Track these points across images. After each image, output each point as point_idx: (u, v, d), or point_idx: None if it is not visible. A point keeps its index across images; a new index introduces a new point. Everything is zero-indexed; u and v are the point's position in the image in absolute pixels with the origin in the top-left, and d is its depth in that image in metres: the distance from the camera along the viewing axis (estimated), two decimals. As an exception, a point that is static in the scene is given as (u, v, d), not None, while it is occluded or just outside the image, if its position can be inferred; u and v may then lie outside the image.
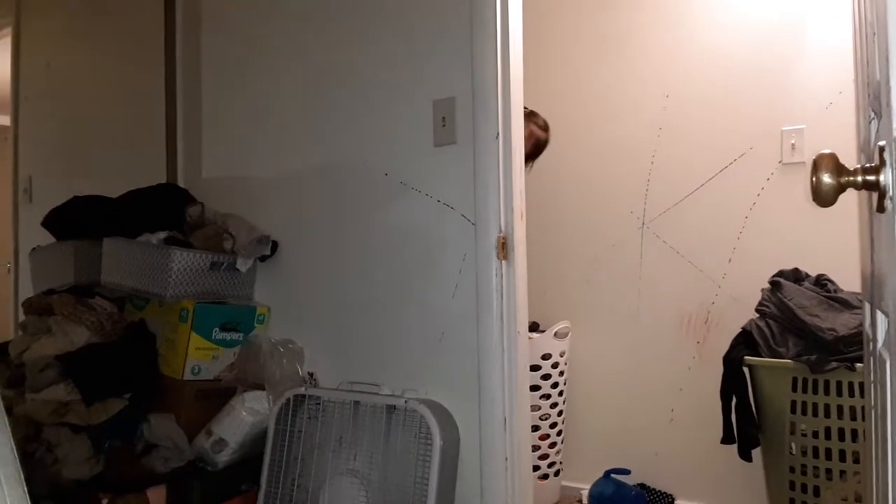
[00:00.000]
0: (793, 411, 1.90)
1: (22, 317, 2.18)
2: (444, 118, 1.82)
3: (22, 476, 1.06)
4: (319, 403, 1.86)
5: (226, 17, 2.40)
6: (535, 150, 2.46)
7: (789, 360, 1.90)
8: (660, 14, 2.53)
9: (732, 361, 2.03)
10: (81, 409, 1.86)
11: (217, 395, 2.01)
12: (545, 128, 2.52)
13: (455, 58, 1.80)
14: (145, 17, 2.60)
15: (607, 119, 2.62)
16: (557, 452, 2.56)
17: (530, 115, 2.41)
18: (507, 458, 1.73)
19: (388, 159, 1.94)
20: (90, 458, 1.85)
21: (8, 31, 3.18)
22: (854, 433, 1.81)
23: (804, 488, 1.90)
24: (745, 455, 2.03)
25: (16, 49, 3.16)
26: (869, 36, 0.89)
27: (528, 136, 2.33)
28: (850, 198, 0.82)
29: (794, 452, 1.91)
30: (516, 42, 1.78)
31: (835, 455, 1.85)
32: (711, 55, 2.42)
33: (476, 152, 1.76)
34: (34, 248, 2.39)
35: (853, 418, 1.81)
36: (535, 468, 2.43)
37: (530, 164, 2.43)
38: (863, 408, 1.74)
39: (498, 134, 1.73)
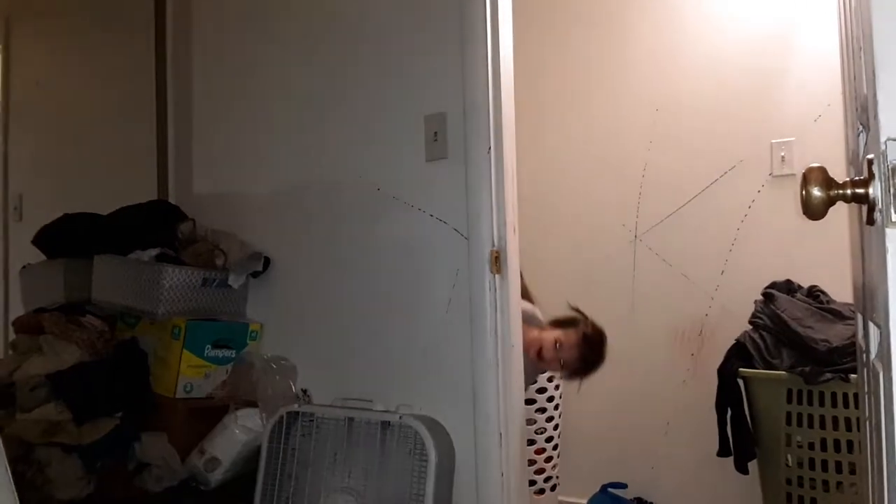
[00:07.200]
0: (788, 423, 1.89)
1: (12, 336, 2.17)
2: (435, 133, 1.82)
3: (16, 496, 1.04)
4: (313, 420, 1.85)
5: (217, 34, 2.41)
6: (582, 364, 2.09)
7: (784, 372, 1.90)
8: (649, 28, 2.55)
9: (727, 374, 2.03)
10: (72, 429, 1.85)
11: (209, 413, 1.99)
12: (598, 342, 2.09)
13: (446, 73, 1.80)
14: (135, 33, 2.60)
15: (598, 133, 2.63)
16: (554, 467, 2.53)
17: (573, 324, 2.09)
18: (502, 473, 1.72)
19: (381, 174, 1.94)
20: (81, 479, 1.83)
21: (-3, 49, 3.18)
22: (850, 444, 1.81)
23: (801, 500, 1.89)
24: (742, 467, 2.02)
25: (5, 67, 3.15)
26: (855, 51, 0.90)
27: (572, 345, 2.03)
28: (841, 208, 0.83)
29: (790, 464, 1.91)
30: (507, 57, 1.78)
31: (831, 466, 1.84)
32: (701, 69, 2.43)
33: (468, 167, 1.76)
34: (24, 267, 2.38)
35: (848, 429, 1.81)
36: (532, 483, 2.40)
37: (579, 381, 2.12)
38: (858, 419, 1.74)
39: (490, 148, 1.74)
